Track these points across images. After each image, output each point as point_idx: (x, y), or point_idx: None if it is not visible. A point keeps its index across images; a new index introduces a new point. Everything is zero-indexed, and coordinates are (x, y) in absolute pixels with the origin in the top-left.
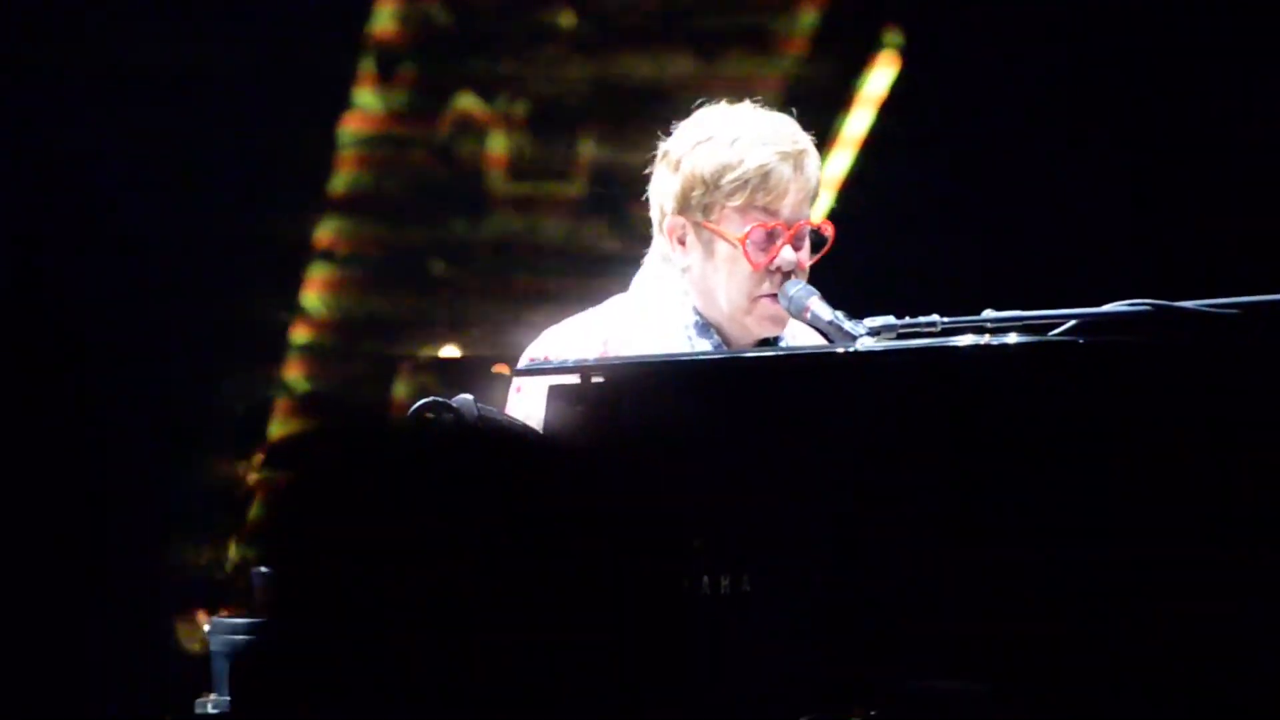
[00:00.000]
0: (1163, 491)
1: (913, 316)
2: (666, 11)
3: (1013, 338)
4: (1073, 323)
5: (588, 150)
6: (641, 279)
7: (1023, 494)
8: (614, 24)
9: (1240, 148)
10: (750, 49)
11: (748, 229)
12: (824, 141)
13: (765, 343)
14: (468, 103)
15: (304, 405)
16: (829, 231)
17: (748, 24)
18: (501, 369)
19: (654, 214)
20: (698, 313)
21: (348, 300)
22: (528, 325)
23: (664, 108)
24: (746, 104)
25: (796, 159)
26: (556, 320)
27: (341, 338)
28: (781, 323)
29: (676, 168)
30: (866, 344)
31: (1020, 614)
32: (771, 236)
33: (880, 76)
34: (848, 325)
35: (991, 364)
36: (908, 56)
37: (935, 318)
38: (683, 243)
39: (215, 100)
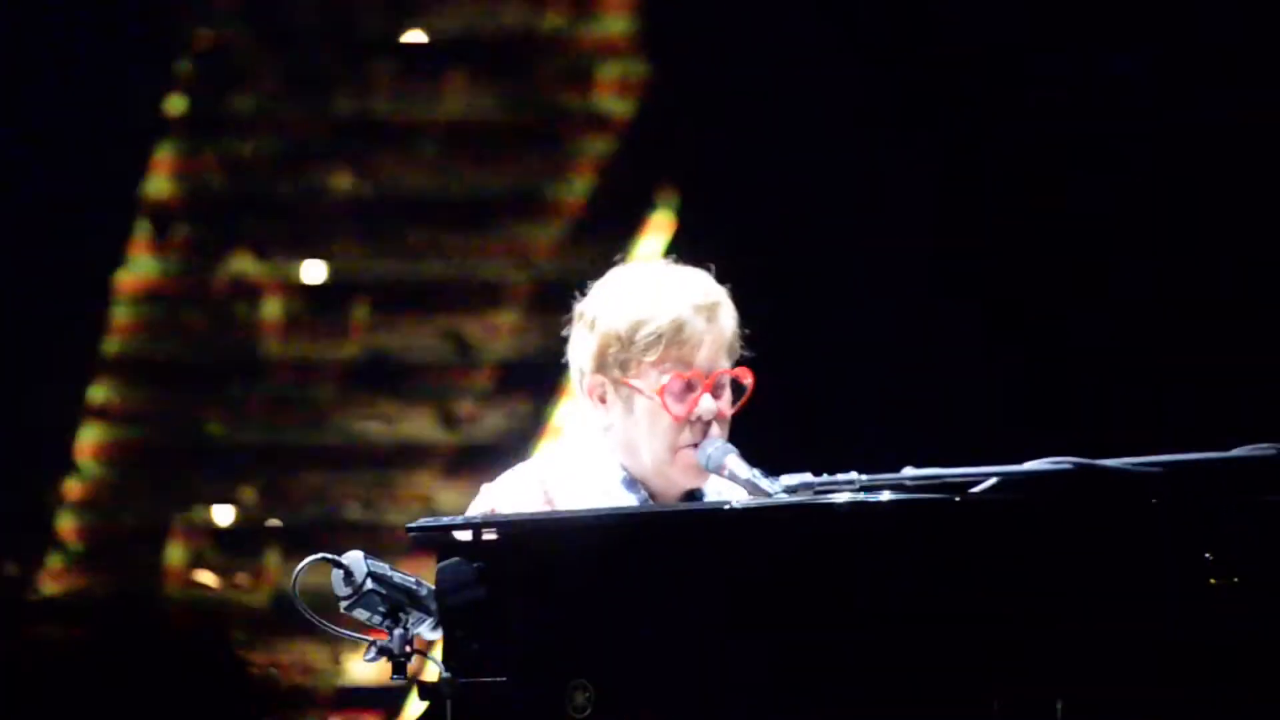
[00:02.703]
0: (1035, 652)
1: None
2: (440, 179)
3: (886, 495)
4: (993, 480)
5: (363, 314)
6: (572, 434)
7: (896, 652)
8: (390, 189)
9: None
10: (525, 216)
11: (665, 381)
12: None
13: (691, 495)
14: (243, 264)
15: (76, 565)
16: (748, 380)
17: (523, 191)
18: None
19: (573, 375)
20: (624, 469)
21: (121, 461)
22: (301, 486)
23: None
24: (659, 261)
25: (710, 310)
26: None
27: (114, 498)
28: (705, 474)
29: (592, 327)
30: (747, 501)
31: None
32: (689, 387)
33: (653, 241)
34: (763, 483)
35: (866, 521)
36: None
37: (854, 475)
38: (603, 400)
39: None
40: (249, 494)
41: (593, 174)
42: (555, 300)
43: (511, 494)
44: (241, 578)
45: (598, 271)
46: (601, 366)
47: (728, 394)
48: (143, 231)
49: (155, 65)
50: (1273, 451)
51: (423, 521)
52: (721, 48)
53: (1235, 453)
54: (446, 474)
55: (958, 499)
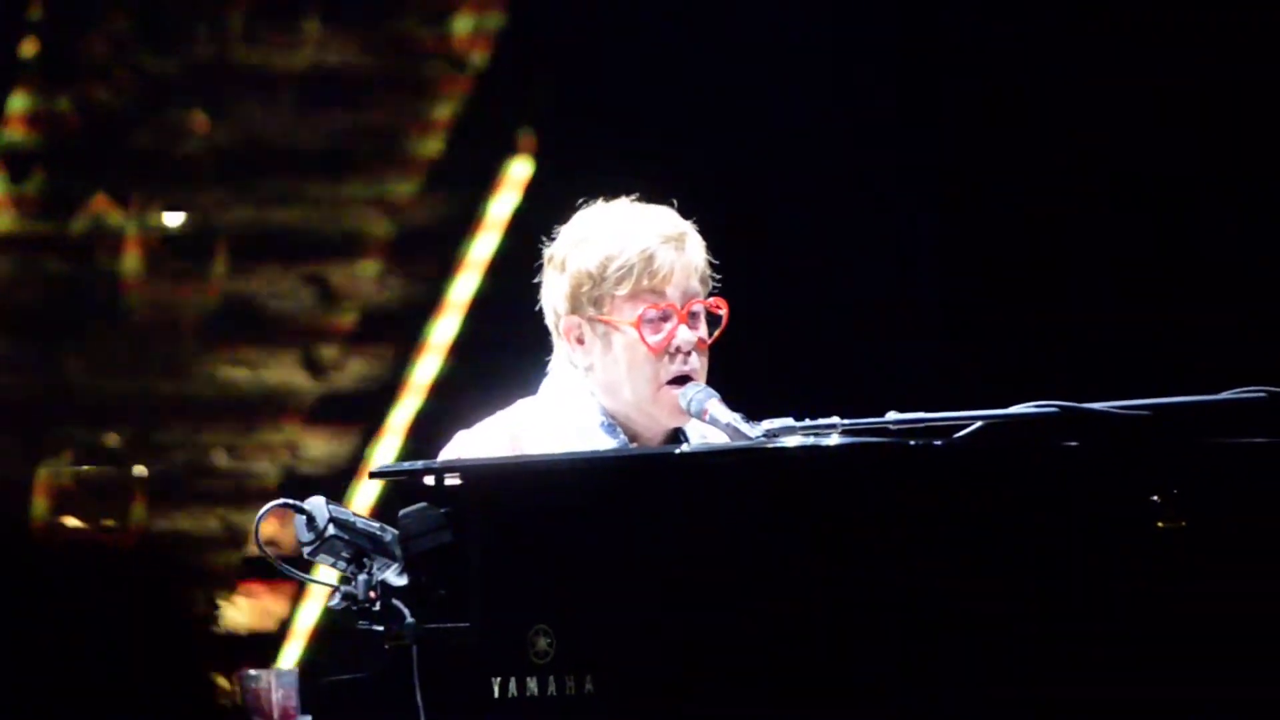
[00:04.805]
0: (984, 590)
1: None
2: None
3: (834, 439)
4: (977, 425)
5: (224, 261)
6: (548, 383)
7: (850, 589)
8: (249, 136)
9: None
10: (384, 164)
11: (640, 311)
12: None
13: (675, 437)
14: (102, 211)
15: None
16: (723, 310)
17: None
18: (141, 470)
19: (549, 320)
20: (605, 412)
21: None
22: (166, 434)
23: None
24: (623, 200)
25: (678, 241)
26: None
27: None
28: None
29: (563, 268)
30: (696, 446)
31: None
32: (665, 317)
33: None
34: (744, 427)
35: (815, 464)
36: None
37: (836, 420)
38: (581, 341)
39: None
40: (113, 442)
41: (450, 124)
42: (416, 249)
43: (479, 442)
44: (109, 523)
45: (456, 220)
46: (576, 306)
47: (704, 324)
48: None
49: (7, 7)
50: (1263, 395)
51: (387, 465)
52: None
53: (1224, 395)
54: (311, 421)
55: (911, 443)
